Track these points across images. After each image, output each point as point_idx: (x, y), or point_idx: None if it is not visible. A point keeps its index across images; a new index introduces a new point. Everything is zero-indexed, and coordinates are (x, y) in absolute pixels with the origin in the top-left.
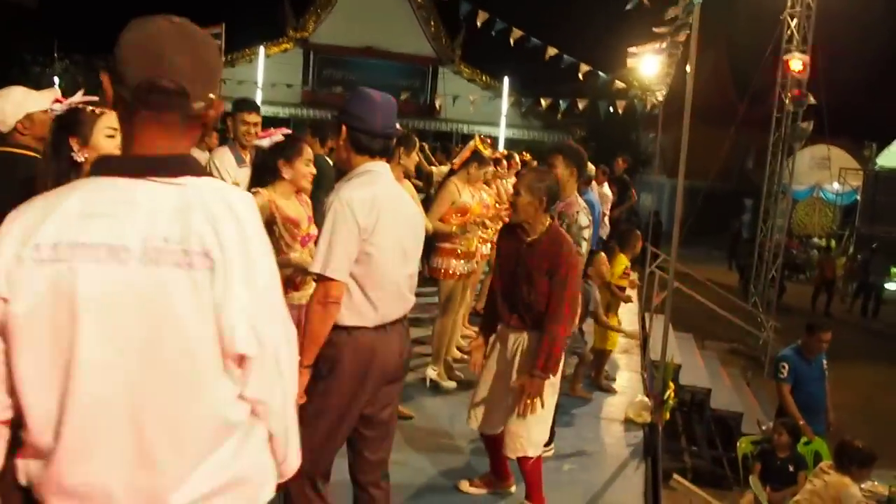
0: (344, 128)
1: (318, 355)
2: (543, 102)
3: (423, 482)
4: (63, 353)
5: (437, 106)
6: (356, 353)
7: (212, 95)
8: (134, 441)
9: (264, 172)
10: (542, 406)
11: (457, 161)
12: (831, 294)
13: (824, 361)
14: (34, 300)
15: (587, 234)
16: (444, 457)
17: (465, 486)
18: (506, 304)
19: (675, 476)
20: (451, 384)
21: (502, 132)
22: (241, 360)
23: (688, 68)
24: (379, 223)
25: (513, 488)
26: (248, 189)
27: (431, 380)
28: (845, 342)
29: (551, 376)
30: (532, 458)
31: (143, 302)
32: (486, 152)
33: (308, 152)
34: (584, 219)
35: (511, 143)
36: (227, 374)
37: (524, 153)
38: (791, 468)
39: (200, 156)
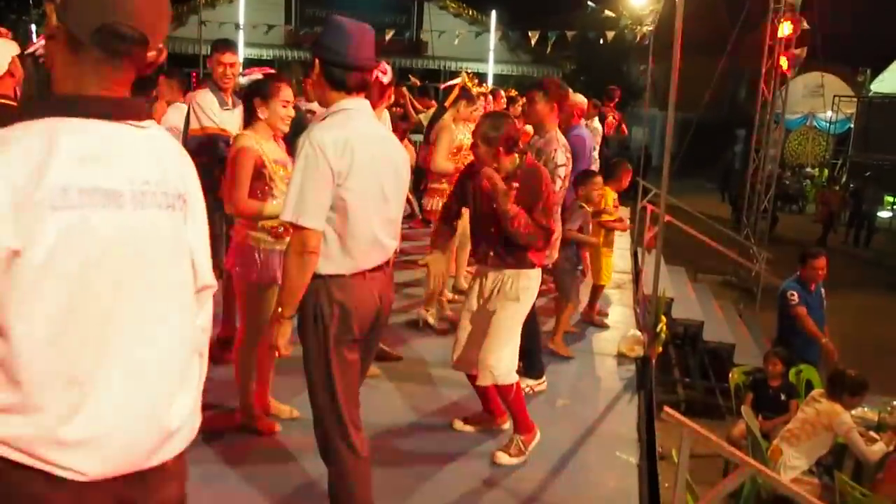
0: (317, 61)
1: (303, 304)
2: (531, 36)
3: (415, 423)
4: (84, 304)
5: (420, 41)
6: (336, 301)
7: (160, 45)
8: (137, 370)
9: (246, 113)
10: (506, 330)
11: (448, 101)
12: (833, 227)
13: (822, 290)
14: (51, 248)
15: (562, 171)
16: (436, 397)
17: (458, 424)
18: (482, 243)
19: (666, 409)
20: (444, 326)
21: (490, 68)
22: (199, 291)
23: None
24: (354, 166)
25: (506, 424)
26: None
27: (424, 321)
28: (838, 271)
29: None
30: (505, 385)
31: (141, 242)
32: (476, 89)
33: (286, 93)
34: (561, 157)
35: (500, 79)
36: (196, 304)
37: (510, 89)
38: (783, 397)
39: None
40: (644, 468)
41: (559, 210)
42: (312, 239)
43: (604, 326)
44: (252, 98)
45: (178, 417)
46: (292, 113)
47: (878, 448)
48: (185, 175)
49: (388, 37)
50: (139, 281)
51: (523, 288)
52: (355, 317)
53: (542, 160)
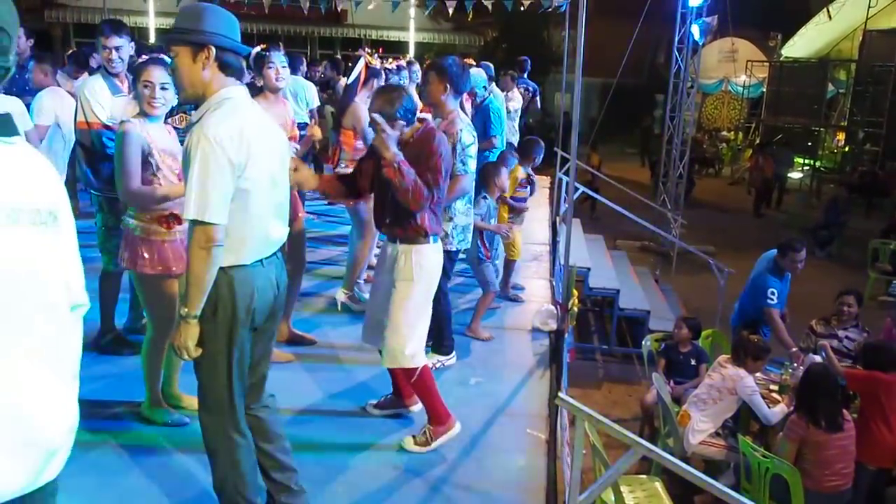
0: (212, 49)
1: (206, 299)
2: (449, 4)
3: (329, 408)
4: None
5: (340, 11)
6: (237, 292)
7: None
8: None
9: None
10: (404, 311)
11: (359, 86)
12: (770, 194)
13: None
14: None
15: (472, 151)
16: (351, 381)
17: (370, 408)
18: (384, 215)
19: (560, 394)
20: (362, 308)
21: (412, 36)
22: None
23: None
24: (251, 156)
25: (416, 406)
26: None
27: (342, 303)
28: (751, 232)
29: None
30: (409, 369)
31: (12, 262)
32: (377, 63)
33: (149, 74)
34: (467, 136)
35: (422, 47)
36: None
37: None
38: (693, 362)
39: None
40: (553, 444)
41: (472, 186)
42: (218, 233)
43: (518, 300)
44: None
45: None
46: (158, 95)
47: (778, 409)
48: (55, 190)
49: (306, 7)
50: (11, 300)
51: (417, 265)
52: (258, 306)
53: (449, 142)
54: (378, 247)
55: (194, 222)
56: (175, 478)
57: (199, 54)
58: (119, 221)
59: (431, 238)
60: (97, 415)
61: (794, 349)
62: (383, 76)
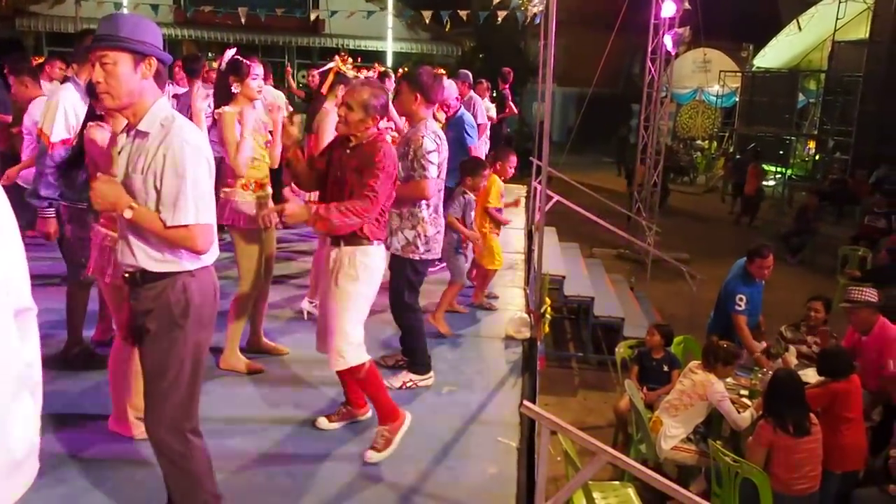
0: (154, 60)
1: (167, 302)
2: (425, 15)
3: (300, 416)
4: None
5: (318, 20)
6: (203, 294)
7: None
8: None
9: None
10: (348, 311)
11: (324, 88)
12: (756, 207)
13: (762, 283)
14: None
15: (433, 157)
16: (321, 390)
17: (322, 422)
18: None
19: (525, 402)
20: None
21: (389, 46)
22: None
23: None
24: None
25: (368, 414)
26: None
27: (308, 312)
28: (725, 240)
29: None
30: (355, 366)
31: None
32: (350, 71)
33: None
34: (429, 143)
35: (400, 57)
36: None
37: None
38: (665, 368)
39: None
40: (524, 452)
41: (440, 197)
42: (211, 232)
43: (492, 309)
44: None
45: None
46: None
47: (747, 415)
48: None
49: (278, 12)
50: None
51: (361, 265)
52: (214, 310)
53: (412, 148)
54: None
55: (182, 227)
56: (142, 491)
57: (140, 64)
58: (87, 232)
59: (374, 242)
60: (64, 428)
61: (757, 353)
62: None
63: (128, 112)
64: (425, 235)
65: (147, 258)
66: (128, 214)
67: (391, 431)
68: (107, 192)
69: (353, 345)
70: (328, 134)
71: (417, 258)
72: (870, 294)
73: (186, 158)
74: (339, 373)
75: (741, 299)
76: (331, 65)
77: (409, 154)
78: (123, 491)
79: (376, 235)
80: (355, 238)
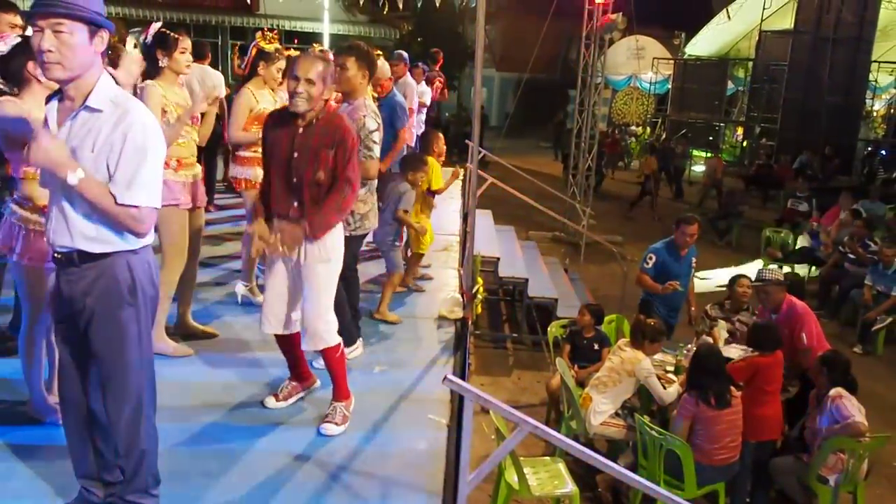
0: (106, 34)
1: (114, 281)
2: None
3: (228, 399)
4: None
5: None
6: (146, 272)
7: None
8: None
9: (9, 78)
10: (326, 292)
11: (244, 67)
12: (720, 191)
13: (694, 259)
14: None
15: (377, 136)
16: (251, 372)
17: (271, 402)
18: (284, 195)
19: (448, 375)
20: (262, 299)
21: (326, 28)
22: None
23: None
24: None
25: (317, 383)
26: None
27: (243, 295)
28: (655, 223)
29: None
30: (332, 347)
31: None
32: (270, 47)
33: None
34: (371, 122)
35: (337, 39)
36: None
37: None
38: (596, 346)
39: None
40: (454, 428)
41: (376, 181)
42: (155, 217)
43: (420, 291)
44: (25, 60)
45: None
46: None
47: (672, 390)
48: None
49: None
50: None
51: (331, 245)
52: (156, 289)
53: (356, 128)
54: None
55: (133, 207)
56: (63, 478)
57: (96, 36)
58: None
59: None
60: None
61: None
62: (278, 61)
63: (71, 85)
64: (358, 213)
65: (84, 238)
66: (72, 180)
67: (347, 408)
68: (53, 151)
69: (330, 324)
70: (236, 116)
71: (347, 234)
72: (778, 273)
73: (148, 140)
74: (322, 352)
75: (650, 258)
76: (253, 44)
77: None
78: (43, 477)
79: (347, 207)
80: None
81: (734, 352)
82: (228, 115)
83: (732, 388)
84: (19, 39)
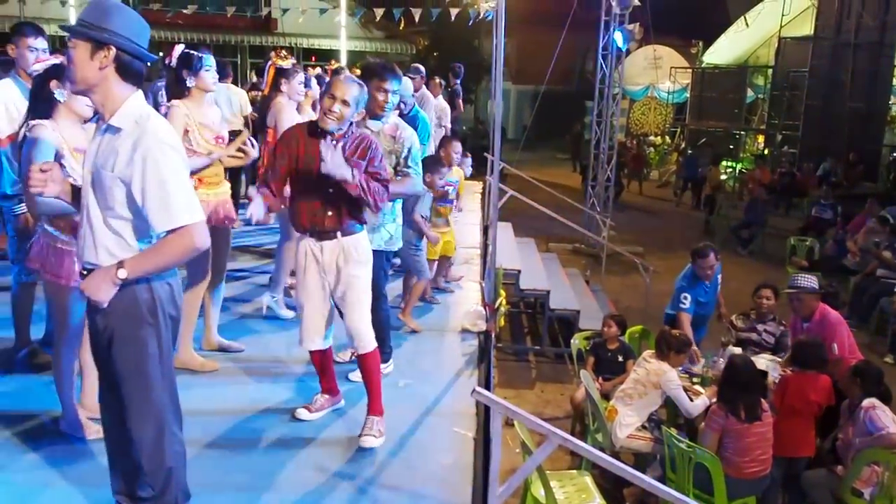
0: (112, 50)
1: (134, 301)
2: (377, 12)
3: (255, 413)
4: None
5: (269, 18)
6: (170, 294)
7: None
8: None
9: (40, 101)
10: (366, 296)
11: (266, 89)
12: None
13: (719, 276)
14: None
15: (416, 151)
16: (280, 387)
17: (303, 413)
18: (319, 206)
19: (476, 388)
20: (289, 313)
21: (343, 45)
22: None
23: None
24: None
25: (342, 402)
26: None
27: (269, 308)
28: (675, 233)
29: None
30: (372, 352)
31: None
32: (286, 63)
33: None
34: (416, 139)
35: (354, 56)
36: None
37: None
38: (620, 358)
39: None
40: (480, 442)
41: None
42: (206, 228)
43: (434, 302)
44: (47, 82)
45: None
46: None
47: (699, 402)
48: None
49: (229, 13)
50: None
51: (364, 250)
52: (178, 308)
53: (404, 146)
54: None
55: (179, 228)
56: (94, 491)
57: (98, 52)
58: (31, 231)
59: (364, 226)
60: (11, 429)
61: (694, 348)
62: (298, 75)
63: (97, 102)
64: (388, 232)
65: (108, 255)
66: (122, 275)
67: (381, 423)
68: (96, 285)
69: (370, 327)
70: (285, 124)
71: (392, 250)
72: (812, 280)
73: (167, 160)
74: (360, 357)
75: (685, 298)
76: (269, 65)
77: (400, 150)
78: (78, 493)
79: (364, 220)
80: (354, 227)
81: (762, 362)
82: (256, 130)
83: (763, 400)
84: (57, 62)
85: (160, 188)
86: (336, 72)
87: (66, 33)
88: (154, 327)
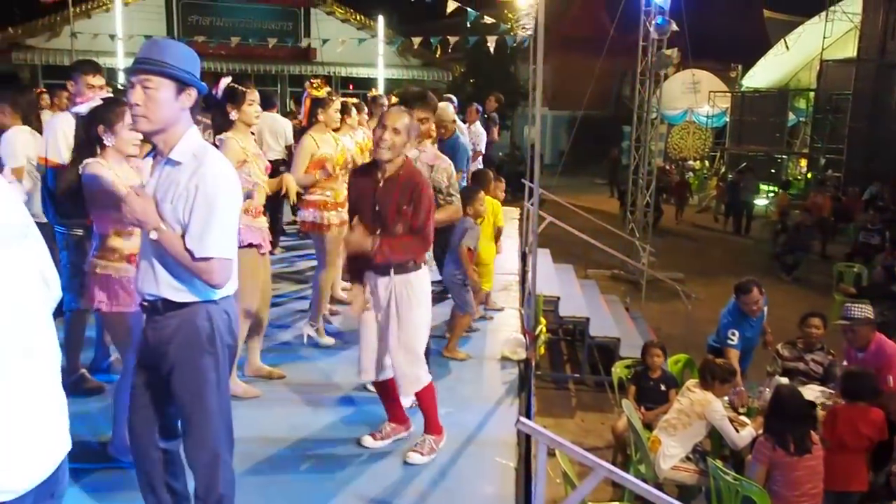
0: (194, 90)
1: (194, 330)
2: (415, 41)
3: (296, 441)
4: None
5: (309, 48)
6: (226, 322)
7: None
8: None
9: (85, 143)
10: (421, 335)
11: (302, 118)
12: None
13: (765, 309)
14: None
15: (454, 180)
16: (320, 414)
17: (368, 441)
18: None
19: (521, 418)
20: (329, 340)
21: (380, 73)
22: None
23: None
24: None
25: (411, 429)
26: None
27: (309, 336)
28: (720, 258)
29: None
30: (429, 385)
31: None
32: (321, 93)
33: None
34: (450, 168)
35: (392, 83)
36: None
37: (390, 94)
38: (663, 387)
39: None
40: (522, 472)
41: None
42: (230, 267)
43: (472, 330)
44: (95, 127)
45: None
46: (140, 135)
47: (746, 433)
48: (20, 205)
49: (271, 44)
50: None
51: (419, 290)
52: (235, 339)
53: (444, 176)
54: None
55: (204, 259)
56: None
57: (183, 92)
58: (84, 259)
59: (421, 265)
60: None
61: (740, 388)
62: (333, 103)
63: (159, 138)
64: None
65: (169, 287)
66: (153, 235)
67: (436, 442)
68: (139, 206)
69: (424, 366)
70: (300, 158)
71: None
72: (867, 310)
73: (219, 192)
74: (417, 394)
75: (733, 334)
76: (304, 95)
77: (441, 180)
78: None
79: (422, 258)
80: (407, 266)
81: (811, 393)
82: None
83: (812, 433)
84: (100, 102)
85: (204, 218)
86: (374, 99)
87: (139, 72)
88: (213, 356)
